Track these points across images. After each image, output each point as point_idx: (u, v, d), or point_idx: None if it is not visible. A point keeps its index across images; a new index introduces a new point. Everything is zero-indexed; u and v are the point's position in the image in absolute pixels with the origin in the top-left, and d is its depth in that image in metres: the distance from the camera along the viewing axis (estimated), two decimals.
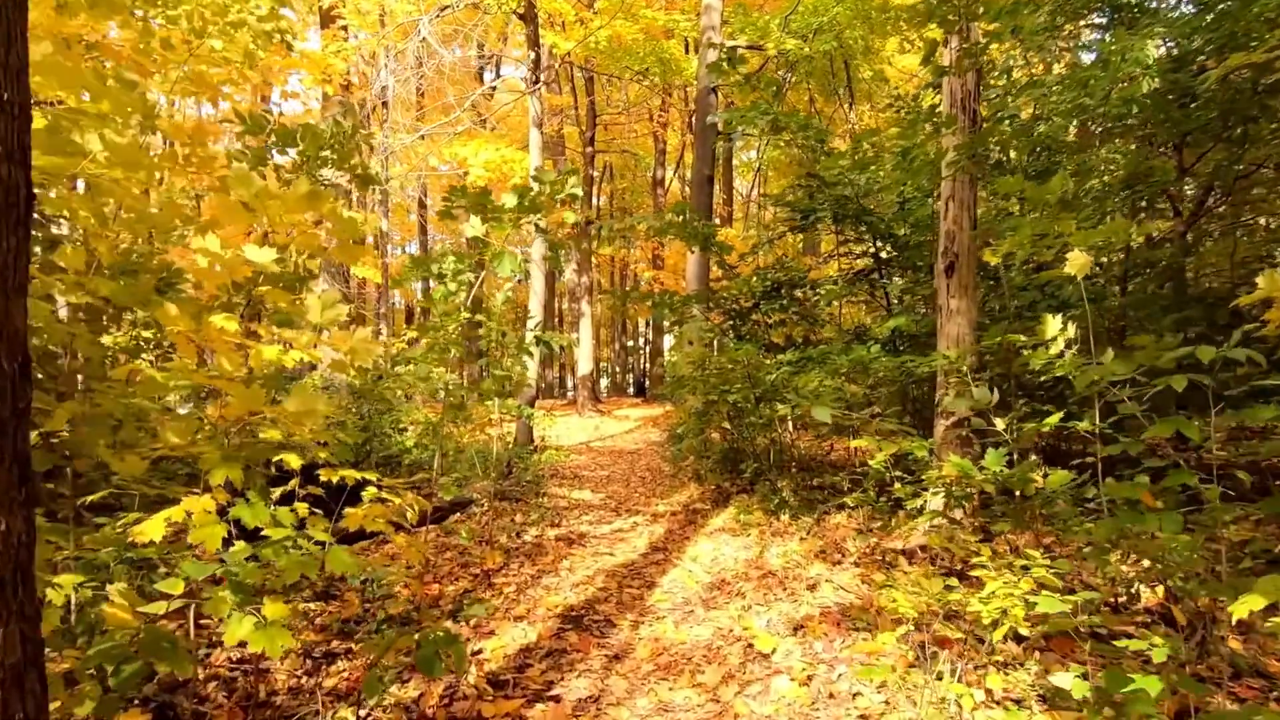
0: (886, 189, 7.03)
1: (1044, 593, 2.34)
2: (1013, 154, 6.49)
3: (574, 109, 20.21)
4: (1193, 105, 5.42)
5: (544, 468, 9.65)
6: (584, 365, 18.95)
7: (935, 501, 4.44)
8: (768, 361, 6.73)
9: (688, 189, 24.25)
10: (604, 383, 39.24)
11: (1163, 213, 6.55)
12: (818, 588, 4.38)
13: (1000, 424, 3.90)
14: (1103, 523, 2.52)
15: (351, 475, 3.96)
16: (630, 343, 39.80)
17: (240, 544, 2.94)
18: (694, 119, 14.76)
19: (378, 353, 3.06)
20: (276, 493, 4.08)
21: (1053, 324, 3.58)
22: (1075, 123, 6.43)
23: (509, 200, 4.40)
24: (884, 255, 7.20)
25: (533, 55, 10.81)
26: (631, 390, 35.54)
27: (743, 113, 6.69)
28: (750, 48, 12.01)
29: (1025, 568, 2.60)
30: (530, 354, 5.49)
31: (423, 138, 15.38)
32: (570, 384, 32.62)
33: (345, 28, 11.93)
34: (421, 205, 23.46)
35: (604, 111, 21.79)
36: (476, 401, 5.07)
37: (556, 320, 33.93)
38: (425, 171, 14.75)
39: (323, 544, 2.92)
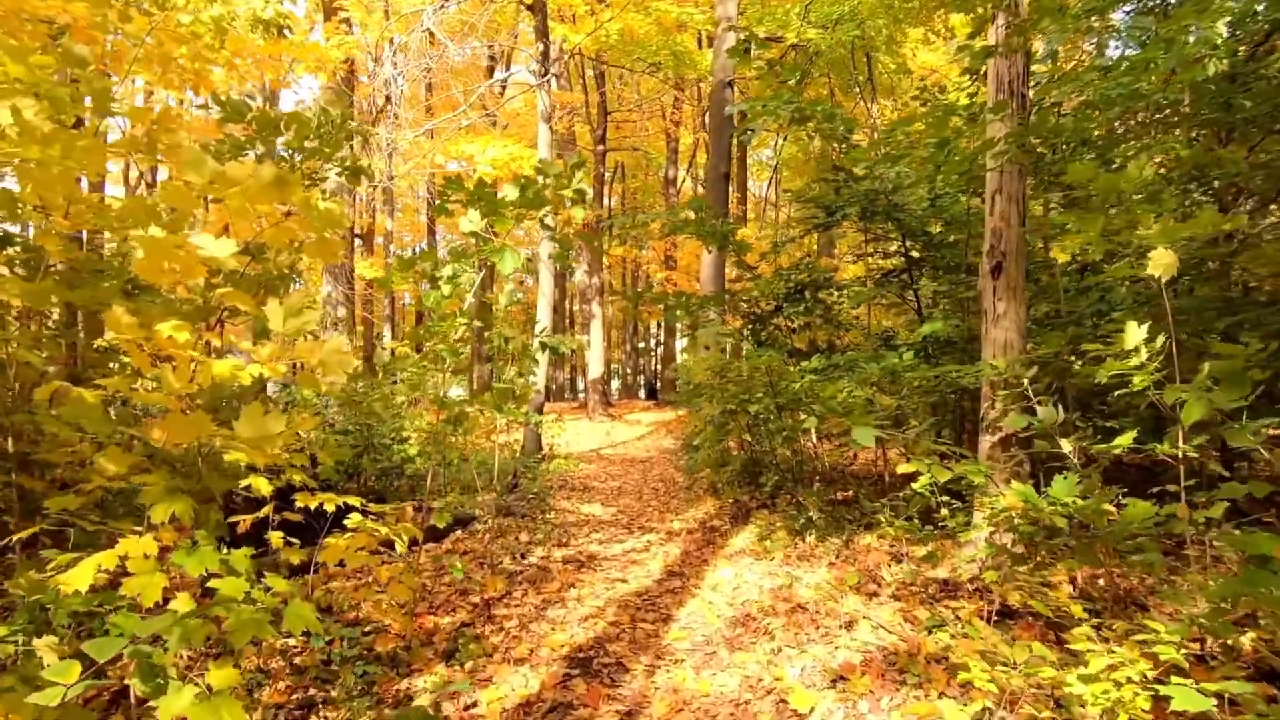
0: (916, 184, 6.55)
1: (1175, 680, 1.86)
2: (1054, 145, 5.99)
3: (585, 106, 19.80)
4: (1246, 92, 4.92)
5: (552, 478, 9.22)
6: (595, 368, 18.52)
7: (981, 529, 3.96)
8: (791, 369, 6.26)
9: (701, 189, 23.74)
10: (615, 384, 38.82)
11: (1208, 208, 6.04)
12: (855, 626, 3.90)
13: (1067, 445, 3.42)
14: (1226, 583, 2.04)
15: (332, 500, 3.53)
16: (642, 344, 39.33)
17: (182, 597, 2.50)
18: (708, 116, 14.29)
19: (353, 365, 2.62)
20: (248, 520, 3.66)
21: (1135, 332, 3.11)
22: (1116, 112, 5.93)
23: (510, 193, 3.95)
24: (915, 255, 6.71)
25: (541, 47, 10.38)
26: (643, 393, 35.11)
27: (764, 102, 6.22)
28: (769, 39, 11.54)
29: (1140, 639, 2.12)
30: (536, 360, 5.05)
31: (432, 136, 15.02)
32: (581, 386, 32.23)
33: (348, 20, 11.55)
34: (430, 204, 23.11)
35: (615, 109, 21.36)
36: (476, 413, 4.65)
37: (568, 322, 33.54)
38: (433, 170, 14.36)
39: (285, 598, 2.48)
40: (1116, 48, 7.24)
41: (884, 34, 10.38)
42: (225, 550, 2.58)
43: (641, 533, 6.59)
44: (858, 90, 12.64)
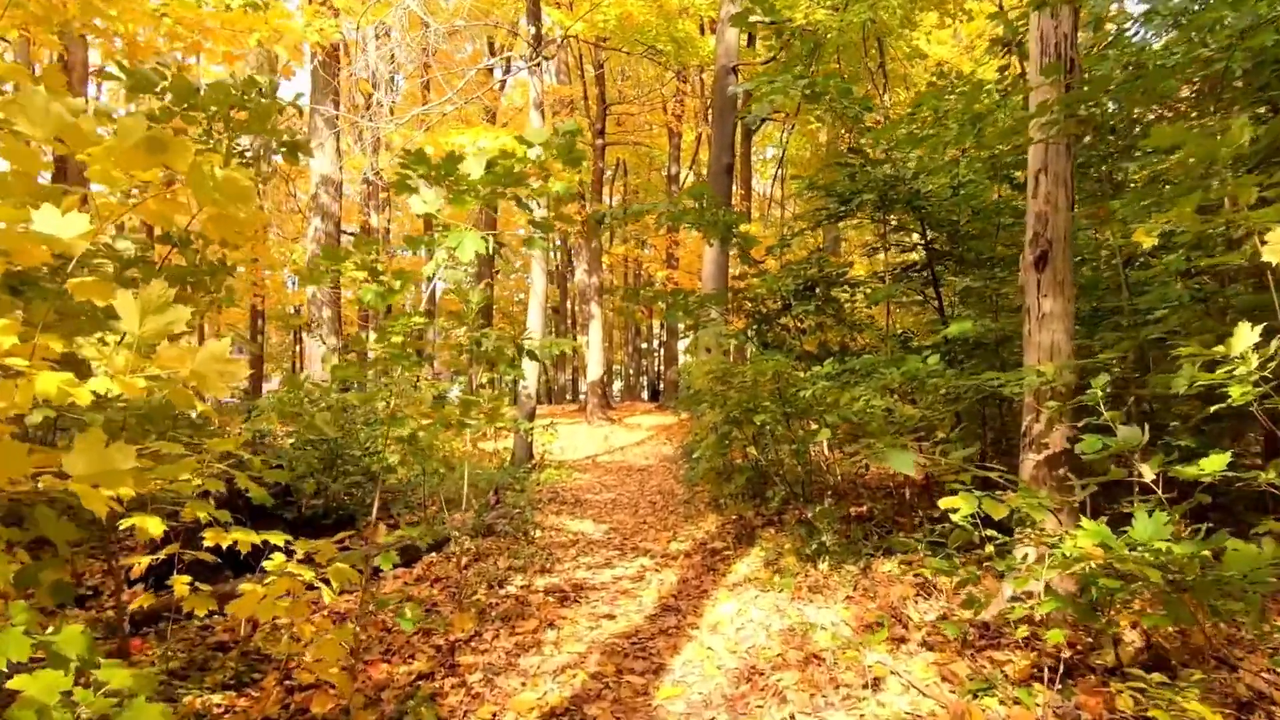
0: (937, 171, 5.90)
1: None
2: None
3: (584, 100, 19.18)
4: None
5: (542, 489, 8.58)
6: (594, 370, 17.90)
7: (1038, 573, 3.32)
8: (800, 374, 5.62)
9: None
10: (617, 385, 38.19)
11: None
12: (882, 685, 3.26)
13: (1148, 471, 2.78)
14: None
15: (247, 539, 2.91)
16: (645, 345, 38.68)
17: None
18: (711, 107, 13.66)
19: (240, 377, 1.99)
20: (142, 563, 3.04)
21: (1246, 334, 2.46)
22: (1173, 84, 5.27)
23: (473, 166, 3.33)
24: (938, 247, 6.07)
25: (533, 30, 9.76)
26: (645, 394, 34.48)
27: (772, 78, 5.59)
28: (772, 24, 10.89)
29: None
30: (515, 366, 4.42)
31: (427, 129, 14.40)
32: (582, 387, 31.60)
33: (335, 9, 10.94)
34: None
35: (615, 101, 20.73)
36: (436, 430, 4.04)
37: (569, 322, 32.89)
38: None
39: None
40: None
41: (899, 14, 9.75)
42: (61, 619, 1.96)
43: (635, 555, 5.96)
44: (870, 77, 12.00)
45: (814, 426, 6.51)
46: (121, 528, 2.62)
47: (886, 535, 5.96)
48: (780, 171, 21.42)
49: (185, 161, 2.24)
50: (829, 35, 8.83)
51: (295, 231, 23.61)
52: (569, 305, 32.42)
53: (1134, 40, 5.05)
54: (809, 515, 6.23)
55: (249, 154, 3.92)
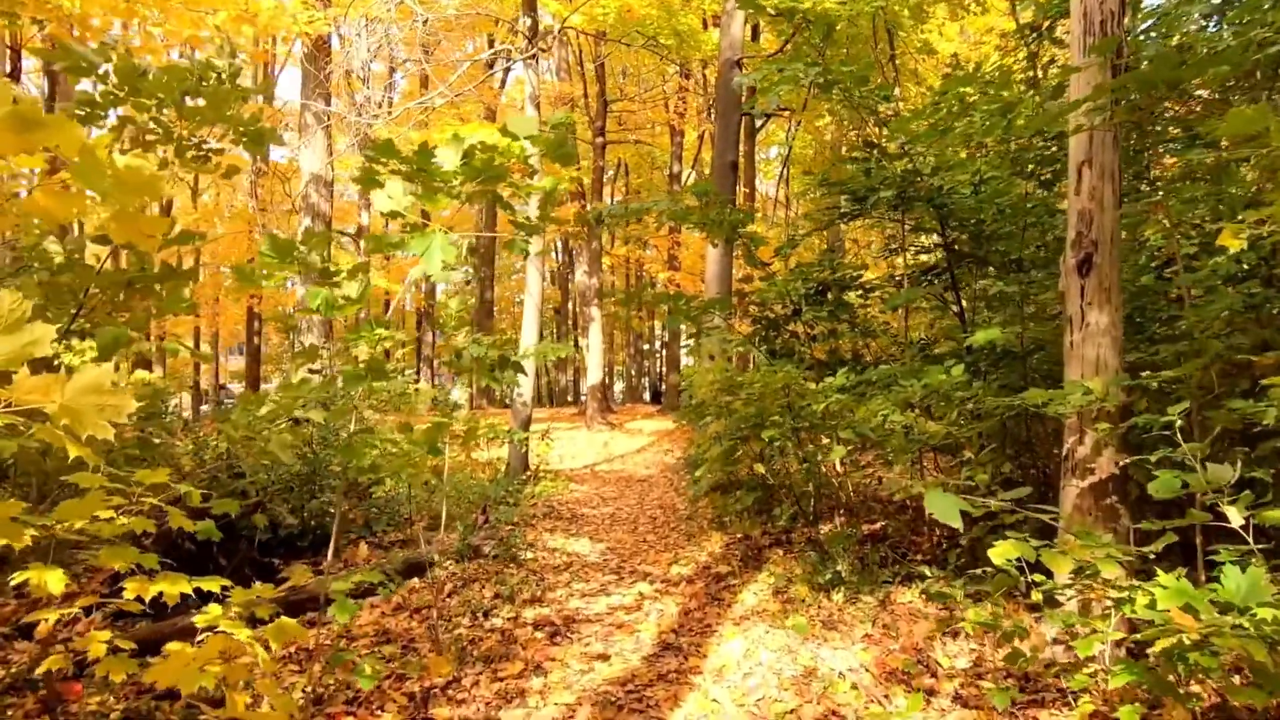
0: (958, 166, 5.47)
1: None
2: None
3: (584, 97, 18.76)
4: None
5: (537, 503, 8.16)
6: (593, 374, 17.47)
7: (1104, 636, 2.89)
8: (811, 385, 5.19)
9: None
10: (619, 386, 37.74)
11: None
12: None
13: (1236, 516, 2.34)
14: None
15: (174, 589, 2.49)
16: (647, 346, 38.22)
17: None
18: (714, 103, 13.23)
19: (124, 413, 1.57)
20: (51, 617, 2.62)
21: None
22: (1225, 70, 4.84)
23: (447, 158, 2.90)
24: (960, 249, 5.63)
25: (528, 22, 9.33)
26: (647, 395, 34.04)
27: (781, 66, 5.16)
28: (779, 15, 10.47)
29: None
30: (496, 379, 3.99)
31: (423, 124, 14.00)
32: (584, 387, 31.20)
33: None
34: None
35: (615, 98, 20.29)
36: (405, 450, 3.63)
37: (571, 323, 32.42)
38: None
39: None
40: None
41: (910, 3, 9.30)
42: None
43: (633, 579, 5.53)
44: (880, 71, 11.57)
45: (825, 440, 6.09)
46: (13, 582, 2.21)
47: (903, 558, 5.54)
48: (785, 171, 20.97)
49: (70, 144, 1.82)
50: (839, 25, 8.39)
51: (292, 231, 23.21)
52: (570, 306, 32.00)
53: (1177, 22, 4.61)
54: (819, 534, 5.80)
55: (206, 147, 3.49)
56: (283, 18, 6.69)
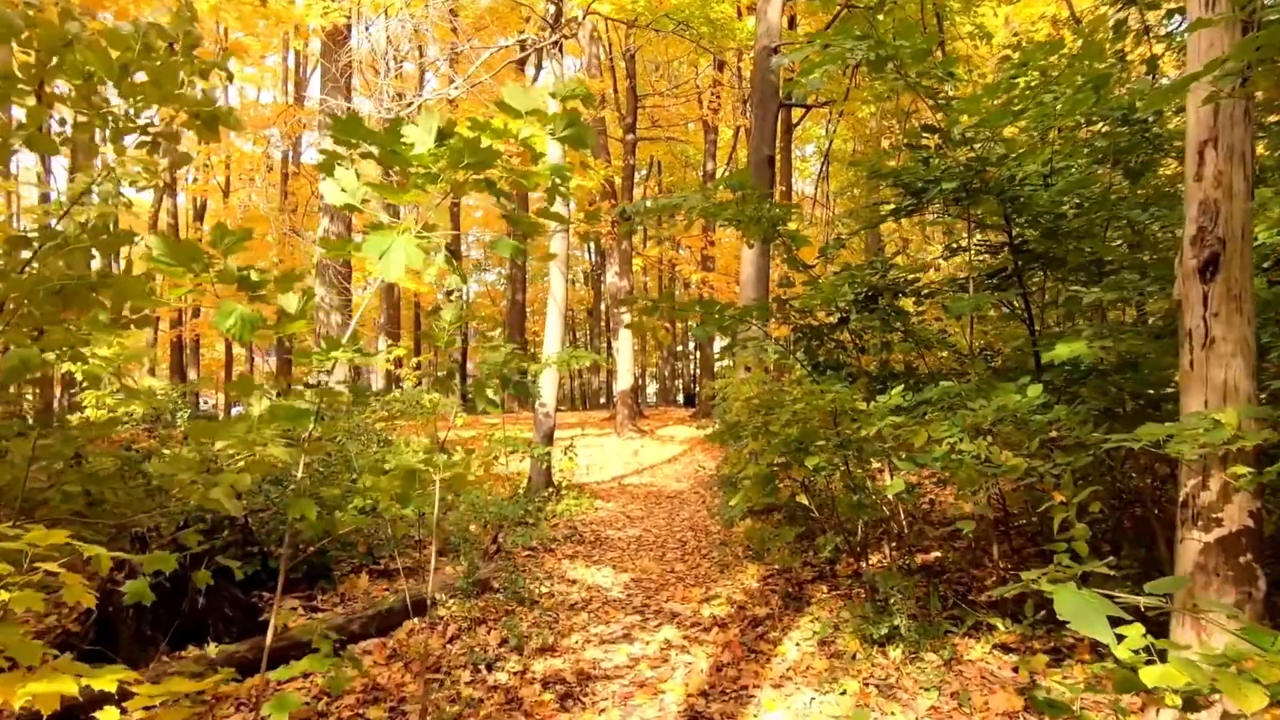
0: (1031, 153, 4.77)
1: None
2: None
3: (614, 93, 18.21)
4: None
5: (558, 523, 7.59)
6: (624, 379, 16.90)
7: None
8: (860, 403, 4.53)
9: None
10: (652, 388, 37.16)
11: None
12: None
13: None
14: None
15: (53, 689, 1.97)
16: (679, 348, 37.56)
17: None
18: (750, 94, 12.56)
19: None
20: None
21: None
22: None
23: (418, 137, 2.33)
24: (1032, 247, 4.93)
25: (552, 9, 8.78)
26: (681, 398, 33.43)
27: (828, 41, 4.52)
28: None
29: None
30: (492, 403, 3.43)
31: (454, 103, 13.55)
32: (616, 391, 30.68)
33: None
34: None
35: (647, 95, 19.68)
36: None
37: (604, 324, 31.88)
38: None
39: None
40: None
41: None
42: None
43: (659, 622, 4.93)
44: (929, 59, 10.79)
45: (875, 465, 5.43)
46: None
47: (965, 598, 4.87)
48: (824, 167, 20.16)
49: None
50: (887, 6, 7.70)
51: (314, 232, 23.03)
52: (602, 307, 31.50)
53: None
54: (867, 568, 5.15)
55: (154, 131, 2.98)
56: (294, 10, 6.22)
